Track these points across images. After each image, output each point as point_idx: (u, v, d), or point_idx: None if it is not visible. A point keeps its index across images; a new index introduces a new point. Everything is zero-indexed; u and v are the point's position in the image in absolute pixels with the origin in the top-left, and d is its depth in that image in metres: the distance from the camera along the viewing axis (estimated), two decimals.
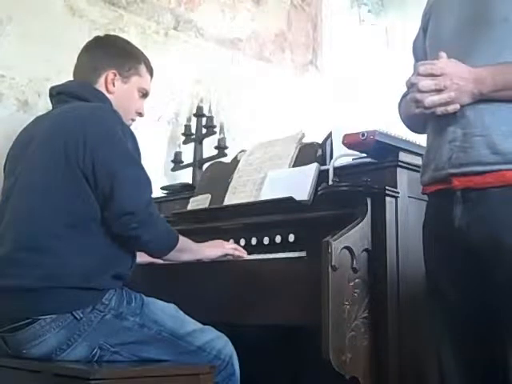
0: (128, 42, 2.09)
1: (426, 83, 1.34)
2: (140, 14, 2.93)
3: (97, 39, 2.06)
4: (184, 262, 1.91)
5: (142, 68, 2.01)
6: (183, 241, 1.84)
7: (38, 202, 1.71)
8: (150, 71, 2.04)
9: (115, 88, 1.94)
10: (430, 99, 1.34)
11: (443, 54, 1.38)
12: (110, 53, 1.97)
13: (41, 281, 1.63)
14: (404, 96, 1.58)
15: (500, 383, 1.38)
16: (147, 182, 1.76)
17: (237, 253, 1.96)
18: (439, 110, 1.35)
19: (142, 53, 2.05)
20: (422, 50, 1.61)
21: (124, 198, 1.69)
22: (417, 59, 1.65)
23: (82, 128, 1.72)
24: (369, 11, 4.17)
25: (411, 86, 1.37)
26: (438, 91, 1.34)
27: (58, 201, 1.70)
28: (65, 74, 2.01)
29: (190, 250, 1.88)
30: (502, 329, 1.35)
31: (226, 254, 1.96)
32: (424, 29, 1.62)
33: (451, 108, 1.35)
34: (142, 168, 1.77)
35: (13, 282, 1.66)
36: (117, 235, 1.71)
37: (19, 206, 1.75)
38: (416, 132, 1.65)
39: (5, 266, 1.69)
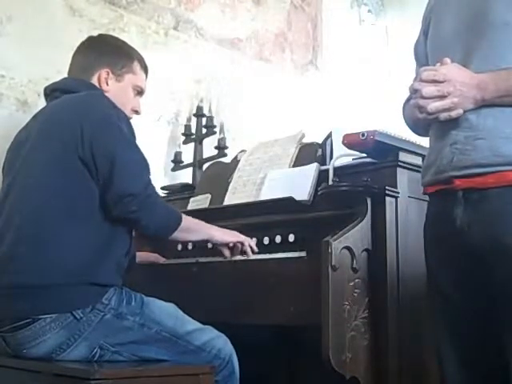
0: (121, 41, 2.09)
1: (428, 89, 1.34)
2: (140, 14, 2.92)
3: (89, 39, 2.06)
4: (192, 241, 1.92)
5: (136, 66, 2.01)
6: (188, 220, 1.83)
7: (37, 195, 1.71)
8: (145, 69, 2.04)
9: (109, 86, 1.94)
10: (433, 105, 1.34)
11: (447, 60, 1.38)
12: (103, 51, 1.97)
13: (40, 277, 1.63)
14: (408, 100, 1.58)
15: (501, 383, 1.38)
16: (145, 164, 1.76)
17: (249, 249, 1.92)
18: (442, 116, 1.36)
19: (136, 51, 2.05)
20: (424, 54, 1.61)
21: (123, 180, 1.69)
22: (418, 62, 1.65)
23: (77, 116, 1.73)
24: (369, 11, 4.17)
25: (414, 92, 1.37)
26: (441, 97, 1.34)
27: (56, 193, 1.70)
28: (64, 74, 2.02)
29: (196, 230, 1.87)
30: (503, 329, 1.35)
31: (238, 242, 1.92)
32: (425, 32, 1.62)
33: (454, 113, 1.36)
34: (139, 150, 1.77)
35: (13, 278, 1.66)
36: (117, 219, 1.71)
37: (19, 201, 1.75)
38: (420, 135, 1.66)
39: (5, 263, 1.69)
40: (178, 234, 1.80)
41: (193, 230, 1.86)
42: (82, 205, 1.70)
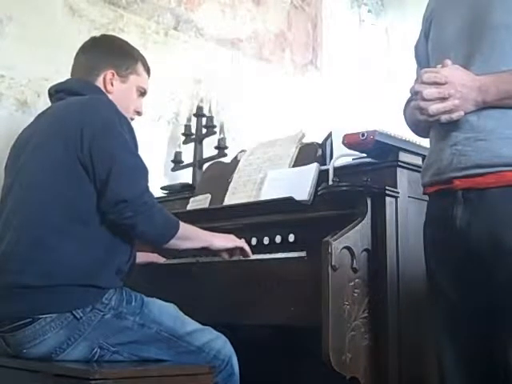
0: (124, 42, 2.09)
1: (429, 91, 1.34)
2: (140, 14, 2.93)
3: (93, 39, 2.06)
4: (189, 249, 1.89)
5: (140, 67, 2.01)
6: (186, 228, 1.82)
7: (38, 195, 1.72)
8: (147, 70, 2.05)
9: (114, 88, 1.94)
10: (434, 107, 1.34)
11: (448, 62, 1.37)
12: (107, 53, 1.97)
13: (40, 278, 1.64)
14: (409, 102, 1.58)
15: (500, 382, 1.38)
16: (143, 170, 1.75)
17: (247, 248, 1.93)
18: (443, 118, 1.36)
19: (139, 52, 2.06)
20: (425, 55, 1.61)
21: (118, 185, 1.68)
22: (419, 63, 1.65)
23: (79, 119, 1.73)
24: (369, 11, 4.17)
25: (415, 93, 1.37)
26: (442, 99, 1.34)
27: (58, 194, 1.70)
28: (64, 74, 2.01)
29: (194, 238, 1.86)
30: (503, 328, 1.35)
31: (237, 247, 1.93)
32: (426, 33, 1.62)
33: (455, 115, 1.36)
34: (139, 156, 1.76)
35: (12, 278, 1.66)
36: (113, 224, 1.71)
37: (19, 200, 1.75)
38: (422, 136, 1.66)
39: (4, 262, 1.69)
40: (175, 242, 1.79)
41: (191, 237, 1.85)
42: (82, 207, 1.70)
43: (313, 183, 1.96)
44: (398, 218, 1.78)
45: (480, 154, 1.36)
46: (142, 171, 1.75)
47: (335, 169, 1.87)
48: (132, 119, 2.02)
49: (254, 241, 2.01)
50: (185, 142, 2.94)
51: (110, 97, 1.90)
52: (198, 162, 2.87)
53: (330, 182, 1.85)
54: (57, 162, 1.72)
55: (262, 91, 3.37)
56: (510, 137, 1.35)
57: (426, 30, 1.62)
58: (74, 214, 1.69)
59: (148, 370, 1.62)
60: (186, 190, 2.62)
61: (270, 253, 1.92)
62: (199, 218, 2.20)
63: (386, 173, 1.82)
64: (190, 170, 2.90)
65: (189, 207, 2.41)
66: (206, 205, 2.33)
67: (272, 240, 1.96)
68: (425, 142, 1.67)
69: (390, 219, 1.76)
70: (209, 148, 2.90)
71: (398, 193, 1.79)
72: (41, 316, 1.63)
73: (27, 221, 1.70)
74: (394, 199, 1.78)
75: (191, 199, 2.44)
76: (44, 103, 1.98)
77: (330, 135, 2.11)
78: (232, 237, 1.95)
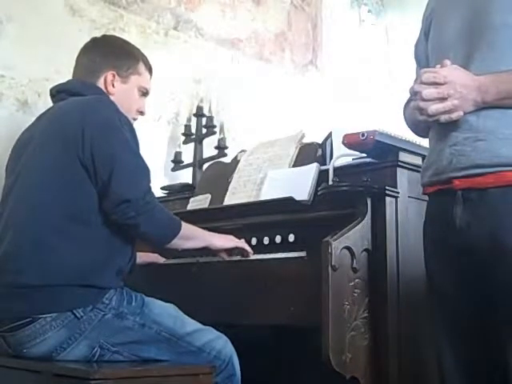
0: (125, 42, 2.09)
1: (429, 92, 1.34)
2: (140, 14, 2.93)
3: (94, 40, 2.06)
4: (189, 249, 1.89)
5: (141, 67, 2.01)
6: (188, 228, 1.83)
7: (39, 195, 1.72)
8: (149, 69, 2.05)
9: (115, 89, 1.94)
10: (433, 107, 1.34)
11: (447, 62, 1.37)
12: (108, 54, 1.97)
13: (40, 278, 1.64)
14: (408, 102, 1.58)
15: (500, 383, 1.38)
16: (145, 171, 1.76)
17: (247, 247, 1.94)
18: (443, 118, 1.36)
19: (140, 51, 2.05)
20: (424, 54, 1.61)
21: (121, 185, 1.68)
22: (419, 63, 1.66)
23: (80, 119, 1.73)
24: (369, 11, 4.17)
25: (415, 94, 1.37)
26: (442, 99, 1.34)
27: (58, 194, 1.70)
28: (65, 74, 2.02)
29: (195, 237, 1.87)
30: (503, 328, 1.35)
31: (236, 247, 1.93)
32: (425, 33, 1.62)
33: (455, 115, 1.36)
34: (140, 156, 1.77)
35: (12, 278, 1.66)
36: (115, 224, 1.71)
37: (20, 200, 1.75)
38: (421, 136, 1.66)
39: (5, 262, 1.69)
40: (177, 242, 1.80)
41: (192, 237, 1.85)
42: (82, 208, 1.70)
43: (313, 183, 1.97)
44: (398, 218, 1.78)
45: (479, 154, 1.36)
46: (143, 171, 1.75)
47: (335, 169, 1.87)
48: (135, 119, 2.02)
49: (254, 241, 2.01)
50: (185, 142, 2.94)
51: (112, 98, 1.90)
52: (198, 162, 2.87)
53: (330, 182, 1.85)
54: (57, 163, 1.73)
55: (262, 91, 3.37)
56: (510, 137, 1.35)
57: (425, 30, 1.62)
58: (74, 214, 1.69)
59: (148, 369, 1.62)
60: (186, 190, 2.62)
61: (270, 253, 1.92)
62: (199, 218, 2.20)
63: (386, 173, 1.82)
64: (190, 169, 2.90)
65: (189, 207, 2.41)
66: (205, 205, 2.33)
67: (272, 240, 1.96)
68: (425, 142, 1.67)
69: (389, 219, 1.76)
70: (209, 148, 2.90)
71: (398, 193, 1.79)
72: (41, 316, 1.63)
73: (27, 221, 1.70)
74: (394, 199, 1.78)
75: (191, 199, 2.44)
76: (45, 103, 1.98)
77: (330, 135, 2.11)
78: (231, 237, 1.95)
